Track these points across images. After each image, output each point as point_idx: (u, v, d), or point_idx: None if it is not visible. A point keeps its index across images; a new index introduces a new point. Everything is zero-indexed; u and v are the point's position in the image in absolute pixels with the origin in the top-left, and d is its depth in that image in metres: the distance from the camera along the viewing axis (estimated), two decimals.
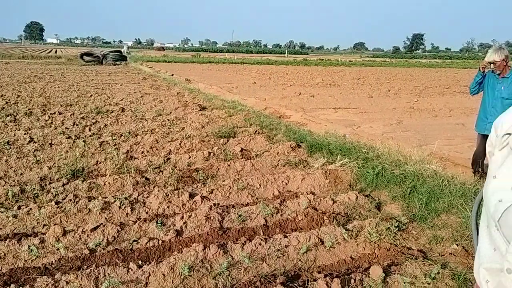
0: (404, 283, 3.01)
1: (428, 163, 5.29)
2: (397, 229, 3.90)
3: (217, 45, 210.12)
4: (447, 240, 3.78)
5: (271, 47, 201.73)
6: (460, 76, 28.73)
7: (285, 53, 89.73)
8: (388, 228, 3.84)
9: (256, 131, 7.79)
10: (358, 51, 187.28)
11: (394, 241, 3.74)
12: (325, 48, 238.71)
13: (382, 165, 5.29)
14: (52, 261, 3.35)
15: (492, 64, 4.97)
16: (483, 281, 1.18)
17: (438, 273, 3.14)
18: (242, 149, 6.50)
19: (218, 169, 5.57)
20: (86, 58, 31.20)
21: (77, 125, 8.27)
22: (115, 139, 7.14)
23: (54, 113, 9.49)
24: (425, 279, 3.08)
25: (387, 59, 75.38)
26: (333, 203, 4.50)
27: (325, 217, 4.15)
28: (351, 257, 3.52)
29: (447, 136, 8.19)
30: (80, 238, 3.64)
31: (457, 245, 3.66)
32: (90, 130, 7.86)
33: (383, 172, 5.16)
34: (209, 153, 6.16)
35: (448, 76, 29.76)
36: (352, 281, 3.02)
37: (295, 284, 3.01)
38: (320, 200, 4.55)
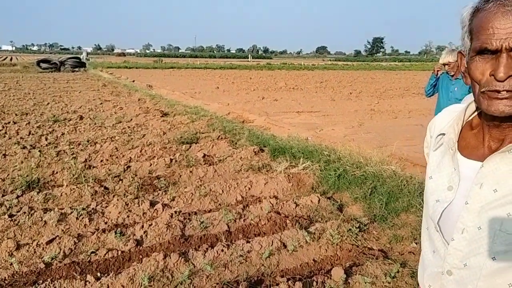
0: (365, 283, 3.04)
1: (388, 164, 5.40)
2: (358, 230, 3.95)
3: (180, 50, 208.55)
4: (406, 239, 3.86)
5: (235, 51, 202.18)
6: (419, 78, 29.62)
7: (248, 58, 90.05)
8: (350, 229, 3.88)
9: (219, 136, 7.75)
10: (321, 55, 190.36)
11: (356, 242, 3.79)
12: (288, 52, 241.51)
13: (344, 167, 5.36)
14: (5, 277, 3.20)
15: (446, 66, 5.14)
16: (427, 286, 1.17)
17: (398, 272, 3.20)
18: (204, 155, 6.44)
19: (180, 176, 5.49)
20: (43, 65, 30.22)
21: (32, 134, 7.97)
22: (73, 148, 6.93)
23: (8, 122, 9.11)
24: (386, 278, 3.13)
25: (349, 62, 76.96)
26: (296, 207, 4.51)
27: (288, 221, 4.16)
28: (313, 259, 3.54)
29: (407, 137, 8.40)
30: (35, 252, 3.50)
31: (416, 243, 3.74)
32: (46, 139, 7.58)
33: (344, 174, 5.23)
34: (171, 160, 6.07)
35: (407, 79, 30.66)
36: (314, 283, 3.03)
37: None
38: (283, 203, 4.55)
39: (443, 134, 1.17)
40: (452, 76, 5.21)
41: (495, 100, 0.95)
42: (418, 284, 1.26)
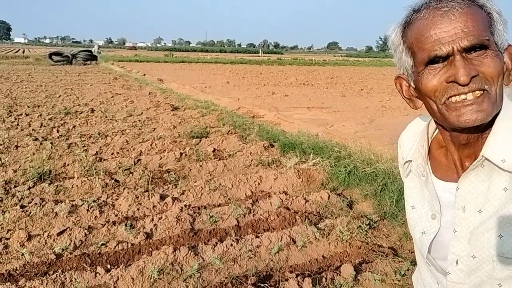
0: (375, 280, 3.02)
1: (398, 161, 5.35)
2: (368, 227, 3.93)
3: (191, 45, 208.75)
4: None
5: (245, 46, 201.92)
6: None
7: (259, 53, 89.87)
8: (360, 226, 3.86)
9: (229, 131, 7.74)
10: (332, 51, 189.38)
11: (366, 239, 3.77)
12: (299, 48, 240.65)
13: (354, 164, 5.33)
14: (16, 267, 3.23)
15: None
16: None
17: (408, 269, 3.17)
18: (214, 149, 6.44)
19: (190, 170, 5.50)
20: (55, 58, 30.40)
21: (44, 126, 8.04)
22: (84, 140, 6.97)
23: (21, 114, 9.20)
24: (395, 276, 3.10)
25: (360, 58, 76.48)
26: (305, 203, 4.50)
27: (297, 217, 4.15)
28: (322, 256, 3.52)
29: None
30: (46, 243, 3.53)
31: None
32: (58, 131, 7.65)
33: (355, 170, 5.20)
34: (181, 153, 6.08)
35: None
36: (324, 280, 3.02)
37: (266, 284, 2.99)
38: (293, 199, 4.54)
39: (410, 161, 1.07)
40: None
41: (463, 108, 0.85)
42: None
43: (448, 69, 0.86)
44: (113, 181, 5.02)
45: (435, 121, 1.00)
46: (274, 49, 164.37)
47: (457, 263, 0.93)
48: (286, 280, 3.02)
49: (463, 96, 0.85)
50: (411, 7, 0.92)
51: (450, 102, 0.87)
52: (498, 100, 0.87)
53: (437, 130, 1.04)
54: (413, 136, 1.09)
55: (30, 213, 4.01)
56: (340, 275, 3.08)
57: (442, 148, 1.02)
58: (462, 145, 0.95)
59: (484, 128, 0.91)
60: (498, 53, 0.86)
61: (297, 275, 3.06)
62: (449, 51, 0.84)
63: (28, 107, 10.26)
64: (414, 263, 3.31)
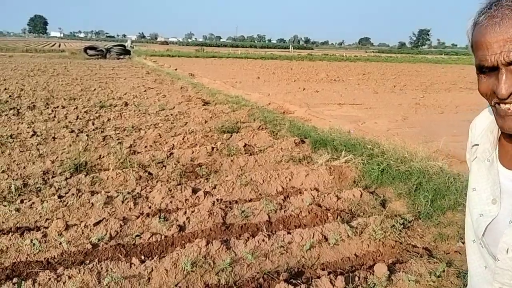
0: (409, 281, 2.97)
1: (434, 160, 5.23)
2: (402, 226, 3.86)
3: (221, 40, 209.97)
4: (452, 238, 3.74)
5: (276, 42, 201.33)
6: (467, 73, 28.50)
7: (289, 48, 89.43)
8: (393, 225, 3.80)
9: (260, 126, 7.74)
10: (363, 46, 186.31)
11: (399, 239, 3.70)
12: (330, 43, 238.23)
13: (387, 162, 5.24)
14: (54, 256, 3.34)
15: None
16: None
17: (444, 271, 3.10)
18: (245, 145, 6.46)
19: (221, 164, 5.53)
20: (89, 52, 31.12)
21: (80, 119, 8.26)
22: (118, 133, 7.12)
23: (57, 106, 9.48)
24: (430, 277, 3.04)
25: (392, 54, 74.85)
26: (337, 200, 4.46)
27: (329, 214, 4.12)
28: (355, 254, 3.49)
29: (453, 132, 8.11)
30: (82, 233, 3.63)
31: (462, 243, 3.61)
32: (93, 124, 7.84)
33: (388, 168, 5.11)
34: (212, 148, 6.13)
35: (454, 72, 29.54)
36: (356, 278, 2.99)
37: (298, 281, 2.98)
38: (324, 196, 4.51)
39: (477, 144, 1.10)
40: None
41: (506, 117, 0.89)
42: (465, 287, 1.19)
43: (495, 79, 0.89)
44: (146, 173, 5.10)
45: None
46: (305, 45, 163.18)
47: (507, 251, 0.95)
48: (318, 277, 3.00)
49: (507, 105, 0.89)
50: (480, 6, 0.92)
51: (497, 107, 0.91)
52: None
53: None
54: (485, 121, 1.11)
55: (67, 203, 4.13)
56: (373, 274, 3.04)
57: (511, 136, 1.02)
58: None
59: None
60: None
61: (329, 273, 3.04)
62: (493, 64, 0.87)
63: (64, 99, 10.55)
64: (449, 264, 3.24)
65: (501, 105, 0.89)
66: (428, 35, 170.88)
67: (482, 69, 0.91)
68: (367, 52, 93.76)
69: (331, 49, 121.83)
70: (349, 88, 16.70)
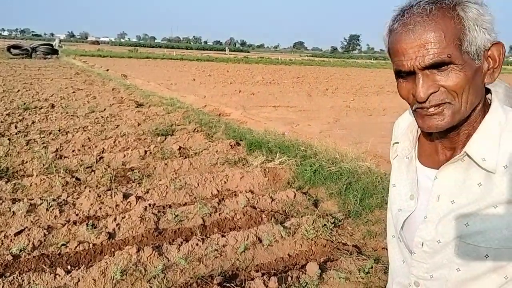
0: (340, 278, 3.06)
1: (363, 161, 5.45)
2: (333, 225, 3.98)
3: (156, 40, 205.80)
4: (380, 235, 3.90)
5: (212, 44, 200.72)
6: (394, 77, 29.99)
7: (225, 50, 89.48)
8: (325, 224, 3.90)
9: (195, 129, 7.66)
10: (298, 50, 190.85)
11: (330, 237, 3.81)
12: (266, 47, 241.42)
13: (320, 163, 5.38)
14: None
15: None
16: None
17: (372, 267, 3.23)
18: (180, 147, 6.35)
19: (155, 168, 5.40)
20: (13, 51, 29.35)
21: (2, 122, 7.70)
22: (44, 137, 6.72)
23: None
24: (359, 274, 3.15)
25: (325, 58, 77.39)
26: (271, 201, 4.50)
27: (263, 215, 4.15)
28: (288, 254, 3.54)
29: (381, 134, 8.50)
30: (2, 243, 3.38)
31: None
32: (16, 127, 7.34)
33: (320, 169, 5.25)
34: (146, 151, 5.96)
35: (382, 76, 31.03)
36: (289, 278, 3.03)
37: (232, 284, 2.97)
38: (259, 198, 4.54)
39: (397, 142, 1.15)
40: None
41: (427, 117, 0.93)
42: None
43: (413, 82, 0.92)
44: (74, 179, 4.86)
45: None
46: (241, 47, 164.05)
47: (422, 245, 1.00)
48: (252, 279, 3.01)
49: (425, 109, 0.92)
50: (394, 13, 0.95)
51: (417, 110, 0.95)
52: (465, 108, 0.92)
53: None
54: (407, 121, 1.15)
55: None
56: (305, 273, 3.10)
57: (429, 135, 1.07)
58: (442, 138, 1.02)
59: (461, 124, 0.97)
60: (464, 65, 0.88)
61: (263, 274, 3.05)
62: (410, 69, 0.90)
63: None
64: (377, 261, 3.38)
65: (420, 109, 0.94)
66: (358, 40, 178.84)
67: (400, 74, 0.94)
68: (301, 56, 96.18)
69: (266, 52, 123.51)
70: (284, 91, 17.01)
